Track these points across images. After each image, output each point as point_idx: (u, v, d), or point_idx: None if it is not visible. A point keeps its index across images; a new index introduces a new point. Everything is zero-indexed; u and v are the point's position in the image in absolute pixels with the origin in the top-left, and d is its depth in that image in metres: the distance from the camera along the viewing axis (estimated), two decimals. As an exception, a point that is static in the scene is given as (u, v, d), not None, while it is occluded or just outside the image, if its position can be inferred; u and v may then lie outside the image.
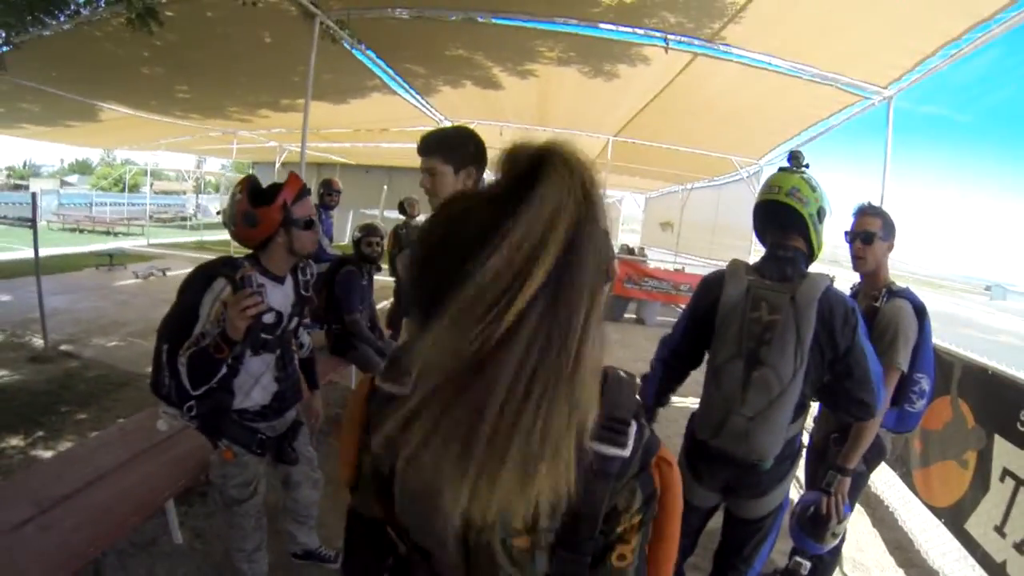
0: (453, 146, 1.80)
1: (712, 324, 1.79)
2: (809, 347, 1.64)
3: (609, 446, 0.73)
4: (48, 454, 3.37)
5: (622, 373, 0.79)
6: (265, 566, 2.29)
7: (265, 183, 2.01)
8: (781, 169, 1.83)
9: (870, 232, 2.24)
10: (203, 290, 1.86)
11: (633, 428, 0.75)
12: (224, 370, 1.81)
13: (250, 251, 2.03)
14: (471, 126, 7.07)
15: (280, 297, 2.04)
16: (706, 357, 1.89)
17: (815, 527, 2.08)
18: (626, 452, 0.74)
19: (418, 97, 6.15)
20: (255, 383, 2.04)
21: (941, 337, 3.37)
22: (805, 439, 2.09)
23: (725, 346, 1.75)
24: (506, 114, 6.76)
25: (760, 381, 1.68)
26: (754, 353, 1.69)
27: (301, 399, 2.31)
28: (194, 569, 2.53)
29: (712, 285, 1.83)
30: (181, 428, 2.40)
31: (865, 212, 2.28)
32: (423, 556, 0.82)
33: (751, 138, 6.44)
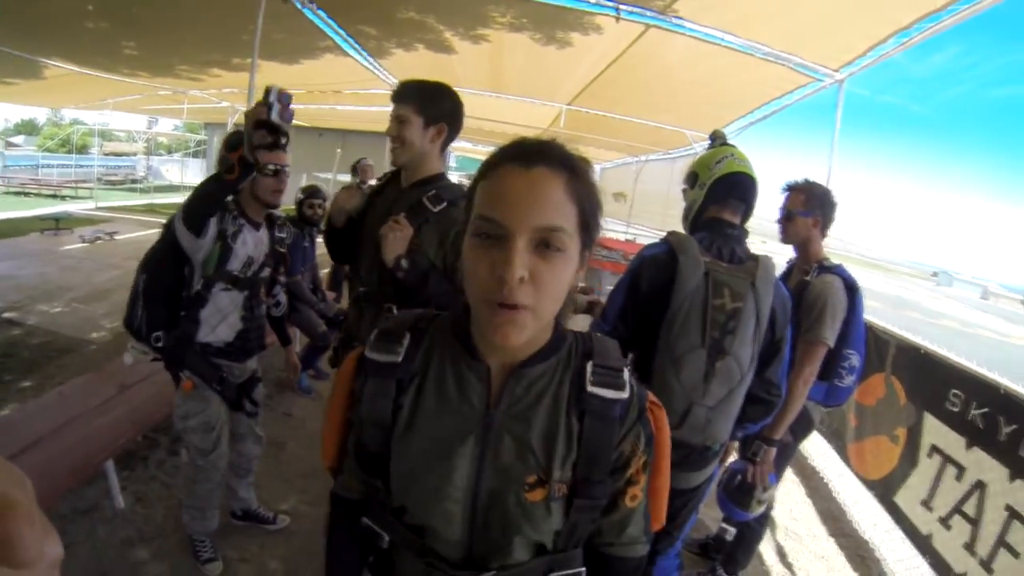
0: (429, 97, 1.78)
1: (660, 308, 1.66)
2: (763, 333, 1.66)
3: (609, 390, 0.79)
4: (-14, 421, 3.27)
5: (603, 335, 0.87)
6: (215, 524, 2.33)
7: (216, 146, 2.06)
8: (722, 145, 1.86)
9: (789, 211, 2.27)
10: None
11: (626, 374, 0.81)
12: (218, 221, 1.95)
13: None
14: None
15: (252, 241, 2.13)
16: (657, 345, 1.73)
17: (741, 495, 2.15)
18: (625, 394, 0.79)
19: (371, 59, 6.01)
20: (222, 319, 2.09)
21: (885, 318, 3.50)
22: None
23: (686, 335, 1.63)
24: (459, 80, 6.64)
25: (723, 371, 1.63)
26: (718, 343, 1.62)
27: (264, 349, 2.35)
28: (135, 532, 2.51)
29: (662, 266, 1.68)
30: (146, 362, 2.34)
31: (788, 189, 2.31)
32: (419, 537, 0.81)
33: (704, 113, 6.44)
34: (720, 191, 1.76)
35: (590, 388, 0.78)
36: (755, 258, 1.71)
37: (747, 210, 1.77)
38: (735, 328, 1.62)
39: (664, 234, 1.79)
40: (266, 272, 2.25)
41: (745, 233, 1.78)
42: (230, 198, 2.01)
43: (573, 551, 0.82)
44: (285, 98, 1.55)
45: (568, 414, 0.78)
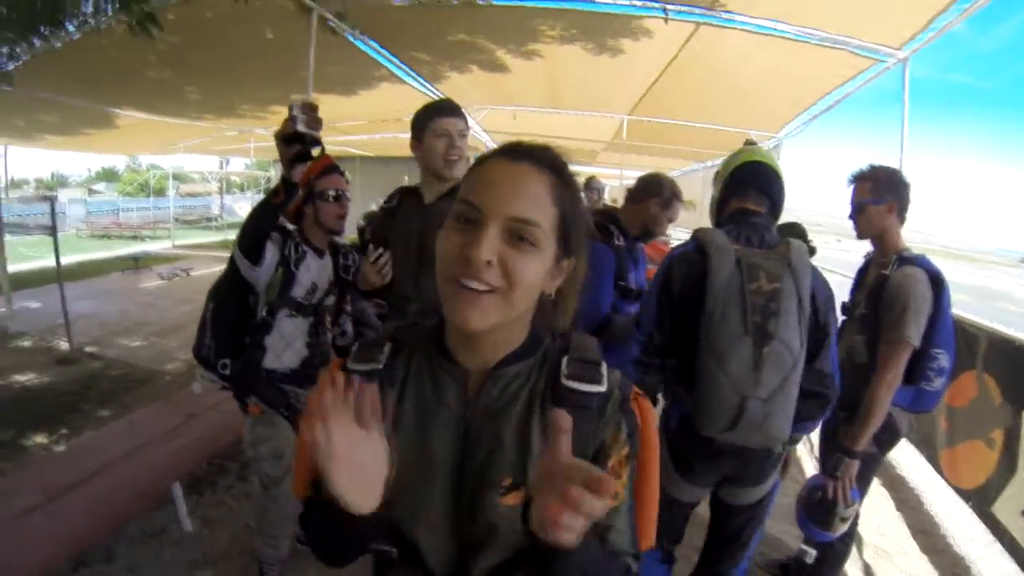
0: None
1: (696, 307, 1.60)
2: (808, 317, 1.56)
3: (585, 383, 0.77)
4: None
5: (583, 333, 0.85)
6: (287, 551, 2.35)
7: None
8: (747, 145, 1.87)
9: (857, 201, 2.13)
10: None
11: (604, 367, 0.79)
12: (272, 251, 1.98)
13: None
14: (485, 113, 6.99)
15: (317, 268, 2.17)
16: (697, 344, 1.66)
17: (821, 513, 1.99)
18: (603, 387, 0.77)
19: (427, 85, 6.09)
20: (287, 345, 2.13)
21: (974, 311, 3.24)
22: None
23: (726, 326, 1.55)
24: (517, 98, 6.70)
25: (773, 357, 1.52)
26: (762, 328, 1.53)
27: None
28: (201, 555, 2.58)
29: (692, 263, 1.64)
30: (215, 391, 2.47)
31: (854, 179, 2.17)
32: (409, 550, 0.79)
33: (766, 111, 6.24)
34: (738, 181, 1.77)
35: (565, 381, 0.77)
36: (787, 242, 1.65)
37: (772, 203, 1.75)
38: (777, 310, 1.54)
39: None
40: (331, 300, 2.28)
41: (772, 222, 1.74)
42: (292, 227, 2.09)
43: None
44: (307, 109, 1.58)
45: (543, 410, 0.76)
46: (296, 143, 1.63)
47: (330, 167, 2.12)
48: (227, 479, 3.21)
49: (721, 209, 1.82)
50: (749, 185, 1.74)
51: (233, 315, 2.09)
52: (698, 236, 1.69)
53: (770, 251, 1.63)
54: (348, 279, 2.29)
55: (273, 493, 2.19)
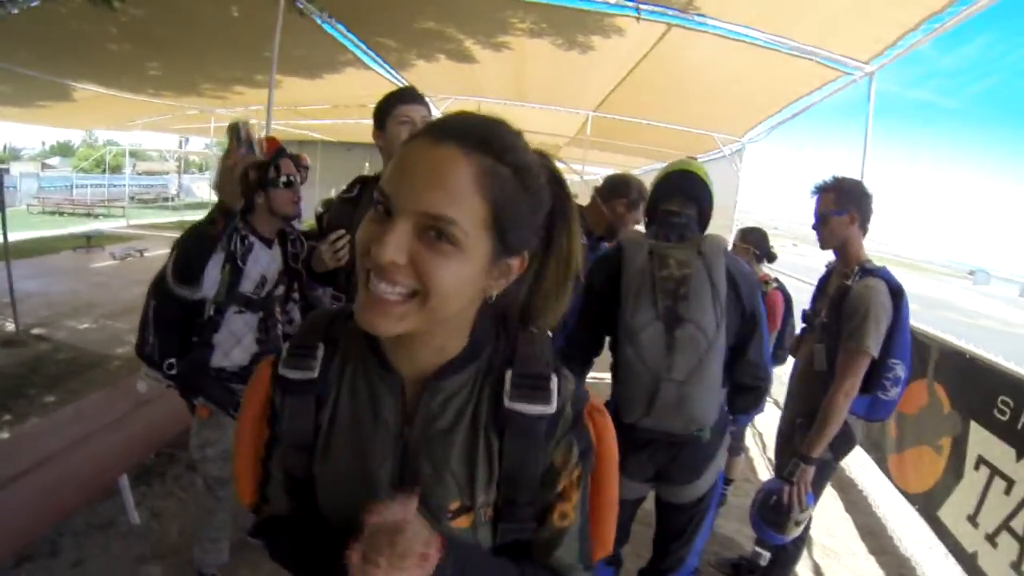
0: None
1: (612, 300, 1.68)
2: (725, 302, 1.61)
3: (530, 404, 0.69)
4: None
5: (533, 329, 0.74)
6: (227, 555, 2.26)
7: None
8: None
9: (821, 212, 2.16)
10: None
11: (554, 382, 0.70)
12: (212, 271, 1.80)
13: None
14: (449, 103, 6.91)
15: (266, 260, 2.05)
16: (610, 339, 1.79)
17: (776, 516, 2.02)
18: (551, 408, 0.69)
19: (393, 72, 6.01)
20: (236, 342, 2.02)
21: (921, 320, 3.34)
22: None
23: (639, 312, 1.63)
24: (482, 89, 6.65)
25: (686, 340, 1.59)
26: (672, 311, 1.61)
27: None
28: (149, 549, 2.50)
29: (609, 260, 1.75)
30: (160, 391, 2.32)
31: (818, 190, 2.19)
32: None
33: (732, 115, 6.35)
34: (664, 187, 1.85)
35: (508, 403, 0.68)
36: (703, 235, 1.74)
37: (699, 207, 1.82)
38: (687, 293, 1.61)
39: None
40: (280, 290, 2.17)
41: (695, 222, 1.80)
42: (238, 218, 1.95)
43: None
44: (247, 131, 1.54)
45: (487, 431, 0.69)
46: (258, 171, 1.60)
47: (280, 151, 2.02)
48: (176, 469, 3.11)
49: (651, 212, 1.89)
50: (676, 191, 1.82)
51: (176, 313, 1.94)
52: (619, 237, 1.87)
53: (684, 242, 1.70)
54: (297, 268, 2.19)
55: (219, 495, 2.11)
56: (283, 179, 2.00)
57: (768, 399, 4.59)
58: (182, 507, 2.80)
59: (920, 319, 3.20)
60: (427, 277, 0.58)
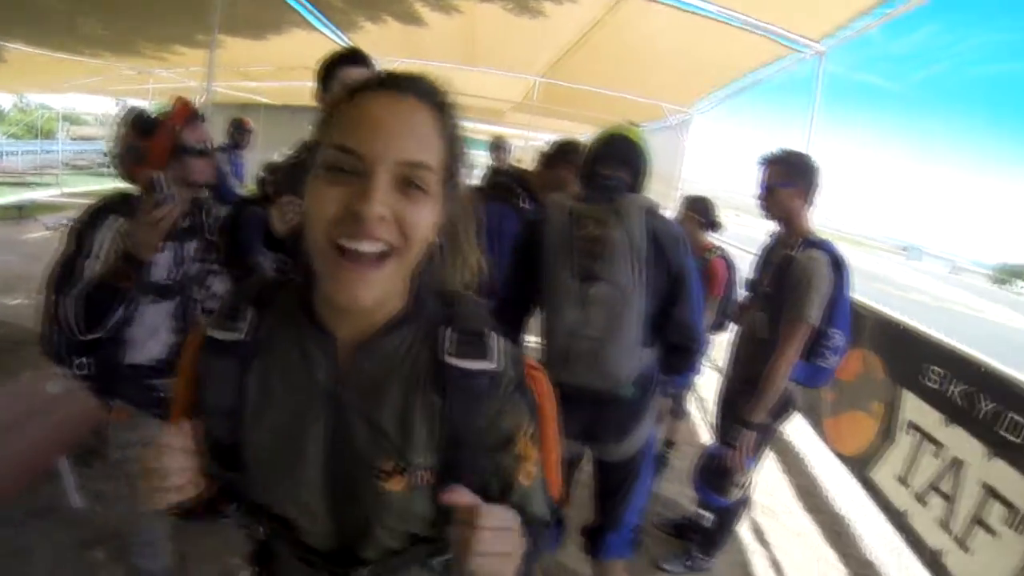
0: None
1: (537, 260, 1.75)
2: (644, 259, 1.64)
3: (470, 360, 0.70)
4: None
5: (469, 295, 0.76)
6: (168, 558, 2.06)
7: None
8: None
9: (768, 184, 2.20)
10: (94, 226, 1.66)
11: (493, 339, 0.72)
12: (120, 312, 1.58)
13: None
14: (396, 65, 6.78)
15: (179, 237, 1.85)
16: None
17: (718, 480, 2.11)
18: (492, 364, 0.71)
19: (339, 33, 5.81)
20: (151, 335, 1.80)
21: (857, 292, 3.48)
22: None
23: (557, 271, 1.70)
24: (430, 53, 6.48)
25: (599, 296, 1.65)
26: (588, 269, 1.67)
27: None
28: (92, 533, 2.41)
29: (534, 223, 1.82)
30: (73, 389, 2.23)
31: (766, 162, 2.23)
32: (288, 530, 0.74)
33: (681, 85, 6.38)
34: (599, 151, 1.87)
35: (447, 359, 0.69)
36: (627, 196, 1.76)
37: (633, 171, 1.83)
38: (603, 252, 1.66)
39: None
40: (197, 268, 1.94)
41: (627, 186, 1.81)
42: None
43: None
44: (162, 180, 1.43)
45: (426, 390, 0.70)
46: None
47: (193, 115, 1.80)
48: (119, 448, 3.01)
49: (585, 175, 1.91)
50: (610, 155, 1.84)
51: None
52: (546, 199, 1.89)
53: (604, 203, 1.72)
54: (214, 239, 1.98)
55: None
56: (198, 146, 1.80)
57: (709, 364, 4.75)
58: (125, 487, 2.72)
59: (857, 291, 3.34)
60: (408, 226, 0.61)
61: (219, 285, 2.03)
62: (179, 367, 0.79)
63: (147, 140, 1.70)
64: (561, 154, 2.43)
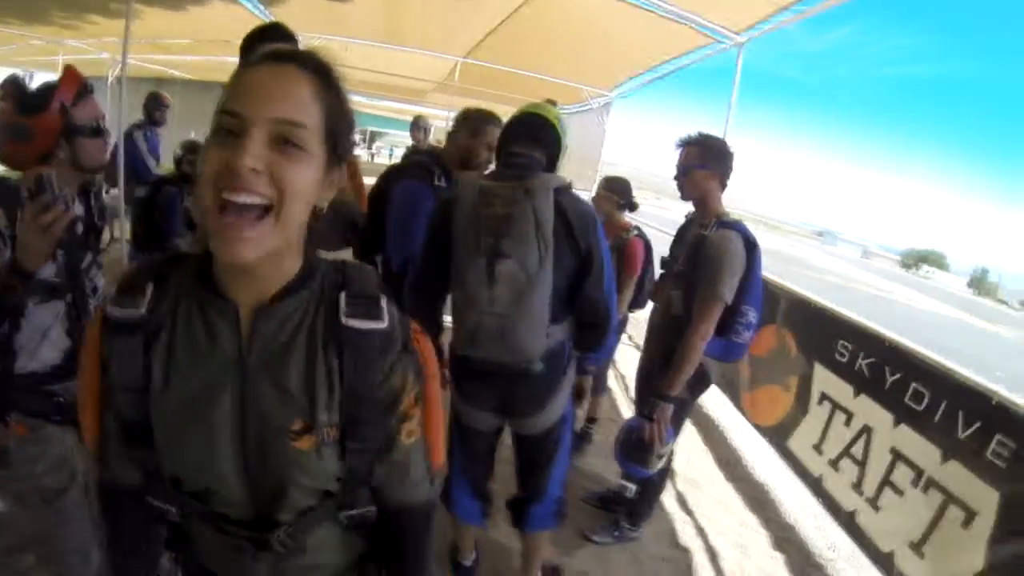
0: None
1: (448, 238, 1.76)
2: (552, 238, 1.66)
3: (365, 320, 0.74)
4: None
5: (359, 262, 0.81)
6: (98, 561, 1.87)
7: (98, 101, 1.62)
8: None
9: (684, 164, 2.26)
10: None
11: (384, 302, 0.76)
12: (5, 326, 1.42)
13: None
14: (317, 41, 6.60)
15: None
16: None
17: (639, 452, 2.16)
18: (383, 324, 0.75)
19: (260, 7, 5.57)
20: (42, 339, 1.62)
21: (774, 273, 3.67)
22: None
23: (466, 250, 1.72)
24: (352, 30, 6.36)
25: (505, 274, 1.67)
26: (494, 248, 1.67)
27: None
28: (19, 537, 2.18)
29: (446, 202, 1.81)
30: None
31: (683, 144, 2.28)
32: (203, 503, 0.75)
33: (603, 69, 6.45)
34: (513, 129, 1.87)
35: (345, 320, 0.73)
36: (536, 175, 1.75)
37: (546, 151, 1.83)
38: (508, 231, 1.66)
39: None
40: (88, 259, 1.75)
41: (539, 164, 1.81)
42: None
43: (360, 490, 0.79)
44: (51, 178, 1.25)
45: (326, 350, 0.73)
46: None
47: (85, 88, 1.59)
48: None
49: (498, 154, 1.91)
50: (523, 134, 1.83)
51: None
52: (458, 177, 1.93)
53: (514, 181, 1.72)
54: (101, 224, 1.80)
55: (59, 507, 1.74)
56: (92, 125, 1.59)
57: (629, 342, 4.87)
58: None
59: (772, 272, 3.51)
60: (283, 182, 0.63)
61: (100, 279, 1.85)
62: (83, 351, 0.77)
63: (31, 118, 1.49)
64: (463, 120, 2.43)
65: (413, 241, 2.11)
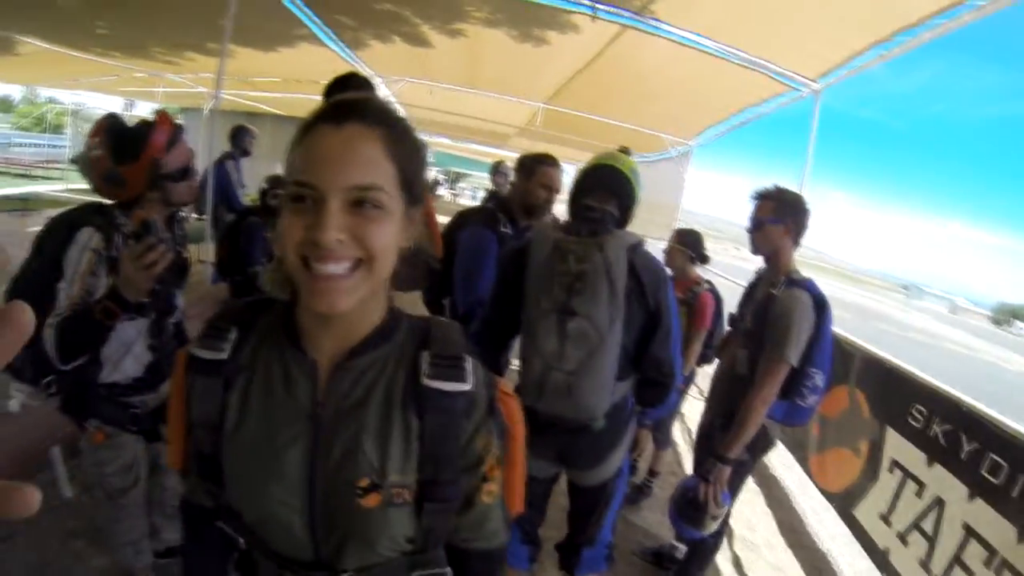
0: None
1: (520, 289, 1.78)
2: (624, 297, 1.66)
3: (448, 382, 0.74)
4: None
5: (444, 319, 0.82)
6: (150, 556, 2.06)
7: (192, 131, 1.76)
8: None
9: (758, 218, 2.21)
10: (66, 243, 1.56)
11: (469, 363, 0.76)
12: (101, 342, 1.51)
13: None
14: (401, 85, 6.85)
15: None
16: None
17: (693, 513, 2.11)
18: (468, 386, 0.74)
19: (347, 50, 5.92)
20: (126, 352, 1.74)
21: (855, 330, 3.51)
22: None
23: (538, 303, 1.73)
24: (435, 74, 6.64)
25: (576, 332, 1.67)
26: (566, 305, 1.68)
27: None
28: (83, 524, 2.42)
29: (520, 251, 1.83)
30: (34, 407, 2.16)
31: (758, 196, 2.24)
32: (263, 543, 0.78)
33: (682, 117, 6.48)
34: (586, 180, 1.85)
35: (426, 381, 0.73)
36: (611, 232, 1.75)
37: (620, 202, 1.81)
38: (582, 289, 1.68)
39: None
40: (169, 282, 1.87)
41: (612, 217, 1.80)
42: (118, 211, 1.68)
43: (434, 551, 0.80)
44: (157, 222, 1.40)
45: (404, 410, 0.73)
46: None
47: (176, 135, 1.70)
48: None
49: (571, 205, 1.90)
50: (597, 185, 1.82)
51: None
52: (534, 229, 1.92)
53: (589, 238, 1.72)
54: (186, 255, 1.92)
55: (121, 503, 1.88)
56: (181, 170, 1.72)
57: (697, 396, 4.76)
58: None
59: (851, 328, 3.38)
60: (368, 242, 0.65)
61: (180, 300, 1.99)
62: (171, 385, 0.83)
63: (125, 167, 1.61)
64: (519, 166, 2.46)
65: (477, 287, 2.17)
